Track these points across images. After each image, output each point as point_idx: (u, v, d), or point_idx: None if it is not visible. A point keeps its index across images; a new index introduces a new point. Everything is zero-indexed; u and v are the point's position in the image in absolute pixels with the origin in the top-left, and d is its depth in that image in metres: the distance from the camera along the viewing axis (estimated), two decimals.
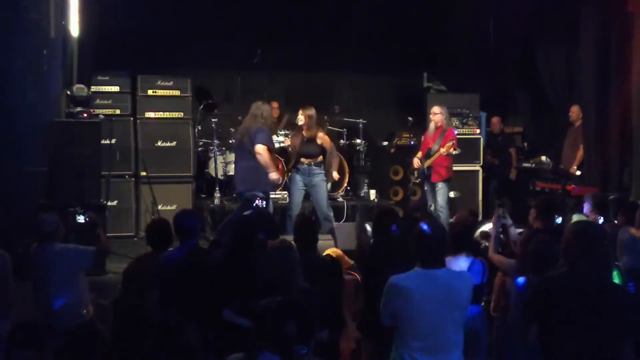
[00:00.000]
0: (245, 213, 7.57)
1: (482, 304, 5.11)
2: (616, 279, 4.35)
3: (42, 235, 5.21)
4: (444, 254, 4.03)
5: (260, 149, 7.76)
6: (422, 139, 9.18)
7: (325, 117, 10.48)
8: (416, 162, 8.94)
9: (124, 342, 4.77)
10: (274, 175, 7.83)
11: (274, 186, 8.23)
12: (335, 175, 8.60)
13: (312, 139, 8.39)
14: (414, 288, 3.79)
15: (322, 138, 8.42)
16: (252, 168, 7.90)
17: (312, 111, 8.39)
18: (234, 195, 9.32)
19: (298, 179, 8.46)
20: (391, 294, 3.85)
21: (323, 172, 8.43)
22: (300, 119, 8.38)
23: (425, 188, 8.96)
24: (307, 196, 8.61)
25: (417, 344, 3.81)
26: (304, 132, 8.39)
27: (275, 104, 10.40)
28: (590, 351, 3.57)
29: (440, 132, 8.77)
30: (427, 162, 8.74)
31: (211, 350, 4.44)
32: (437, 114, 8.84)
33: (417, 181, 9.10)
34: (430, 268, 3.85)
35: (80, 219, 5.44)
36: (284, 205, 9.12)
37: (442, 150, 8.51)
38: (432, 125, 8.88)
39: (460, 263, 4.83)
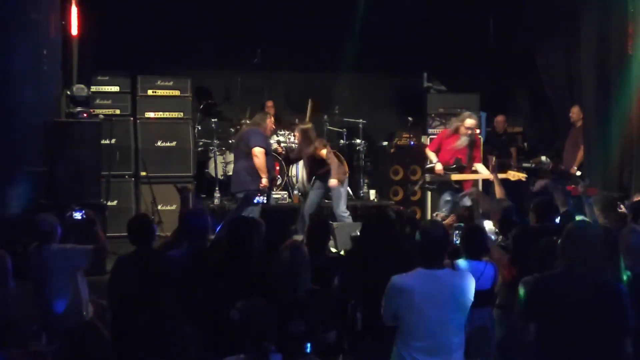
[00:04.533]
0: (247, 210, 7.68)
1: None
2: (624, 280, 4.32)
3: (40, 236, 5.21)
4: (445, 254, 4.03)
5: (257, 151, 7.99)
6: (441, 143, 8.61)
7: (325, 117, 10.49)
8: (439, 168, 8.39)
9: (123, 341, 4.76)
10: (264, 181, 8.01)
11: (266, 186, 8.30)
12: (333, 182, 8.49)
13: (312, 156, 8.49)
14: (415, 288, 3.79)
15: (322, 155, 8.49)
16: (243, 168, 8.11)
17: (306, 126, 8.50)
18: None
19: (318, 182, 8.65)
20: (393, 294, 3.85)
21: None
22: (295, 134, 8.64)
23: (448, 198, 8.44)
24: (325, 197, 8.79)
25: (418, 344, 3.81)
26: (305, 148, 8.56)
27: (269, 103, 10.43)
28: (588, 350, 3.58)
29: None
30: (470, 177, 8.34)
31: (210, 350, 4.44)
32: (473, 129, 8.35)
33: (434, 187, 8.69)
34: (432, 268, 3.85)
35: (77, 216, 5.42)
36: (284, 205, 9.17)
37: (509, 176, 8.28)
38: (464, 139, 8.37)
39: (473, 266, 4.81)
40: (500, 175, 8.37)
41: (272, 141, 9.17)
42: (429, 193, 10.46)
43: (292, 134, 9.77)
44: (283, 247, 4.41)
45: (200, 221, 5.17)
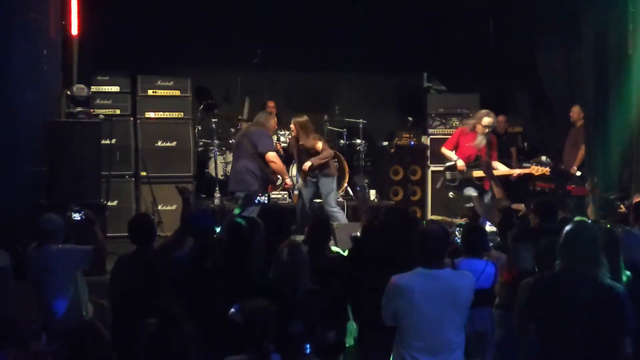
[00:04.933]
0: (247, 210, 7.67)
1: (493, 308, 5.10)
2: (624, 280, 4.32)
3: (43, 235, 5.21)
4: (445, 254, 4.04)
5: (272, 156, 8.04)
6: (458, 141, 8.50)
7: (325, 117, 10.48)
8: (461, 164, 8.31)
9: (123, 342, 4.77)
10: (288, 181, 8.23)
11: (266, 187, 8.30)
12: (307, 164, 8.41)
13: (308, 149, 8.46)
14: (415, 288, 3.80)
15: (319, 149, 8.47)
16: (244, 168, 8.09)
17: (302, 119, 8.46)
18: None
19: (308, 179, 8.61)
20: (393, 294, 3.86)
21: (325, 171, 8.48)
22: (292, 127, 8.60)
23: (473, 194, 8.33)
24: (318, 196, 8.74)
25: (418, 344, 3.82)
26: (300, 141, 8.49)
27: (271, 103, 10.42)
28: (587, 350, 3.58)
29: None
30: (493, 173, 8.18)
31: (211, 350, 4.44)
32: (491, 127, 8.31)
33: (455, 184, 8.46)
34: (432, 268, 3.86)
35: (76, 216, 5.42)
36: (285, 205, 9.17)
37: (533, 171, 8.20)
38: (481, 138, 8.29)
39: (473, 265, 4.82)
40: (524, 171, 8.32)
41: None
42: (429, 193, 10.47)
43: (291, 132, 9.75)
44: (281, 247, 4.41)
45: (205, 220, 5.17)
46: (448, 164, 8.59)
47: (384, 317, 3.94)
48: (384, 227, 4.87)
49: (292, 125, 8.59)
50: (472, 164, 8.38)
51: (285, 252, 4.33)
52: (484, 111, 8.56)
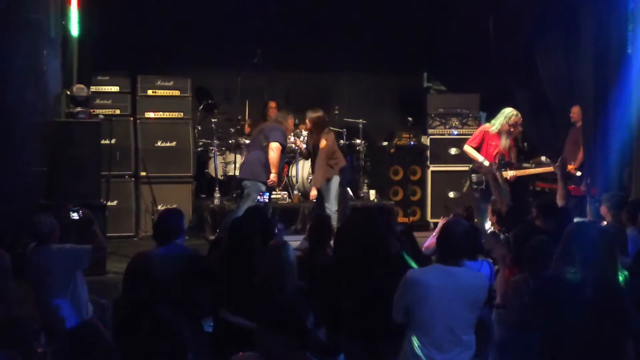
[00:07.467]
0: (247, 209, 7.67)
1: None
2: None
3: (39, 237, 5.21)
4: (465, 252, 4.04)
5: (274, 146, 8.03)
6: (482, 143, 8.15)
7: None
8: (488, 166, 7.91)
9: (123, 341, 4.75)
10: (273, 176, 8.02)
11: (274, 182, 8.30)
12: (313, 190, 8.45)
13: (318, 144, 8.48)
14: (432, 283, 3.80)
15: (322, 143, 8.46)
16: (257, 159, 8.12)
17: (315, 114, 8.44)
18: (234, 195, 9.38)
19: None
20: (408, 287, 3.85)
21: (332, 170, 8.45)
22: (307, 123, 8.62)
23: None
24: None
25: (429, 339, 3.82)
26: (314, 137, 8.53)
27: (273, 104, 10.42)
28: (589, 351, 3.58)
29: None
30: (520, 173, 8.07)
31: (209, 350, 4.44)
32: (515, 126, 8.12)
33: (482, 187, 8.04)
34: (449, 265, 3.86)
35: (75, 216, 5.43)
36: (285, 205, 9.18)
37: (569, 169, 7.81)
38: (506, 139, 8.10)
39: (469, 267, 4.82)
40: (547, 169, 8.14)
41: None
42: (429, 193, 10.47)
43: (293, 132, 9.67)
44: (269, 247, 4.41)
45: (177, 220, 5.11)
46: (473, 165, 8.24)
47: (394, 312, 3.93)
48: (351, 230, 4.68)
49: (307, 121, 8.57)
50: (500, 163, 8.04)
51: (272, 251, 4.33)
52: (509, 109, 8.33)
